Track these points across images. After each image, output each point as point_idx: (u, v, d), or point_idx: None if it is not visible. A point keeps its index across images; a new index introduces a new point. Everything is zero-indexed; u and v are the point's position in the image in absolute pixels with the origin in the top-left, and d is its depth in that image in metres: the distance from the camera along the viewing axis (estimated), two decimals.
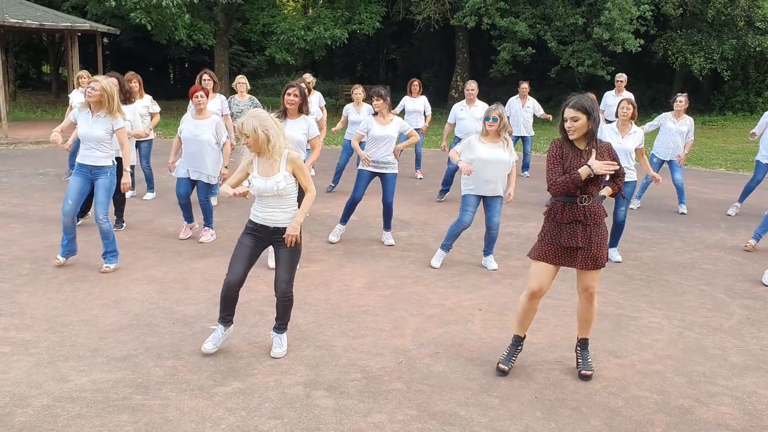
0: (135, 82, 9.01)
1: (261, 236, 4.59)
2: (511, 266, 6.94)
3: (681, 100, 9.45)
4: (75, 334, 5.01)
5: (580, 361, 4.57)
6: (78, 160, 6.44)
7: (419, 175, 12.30)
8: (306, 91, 6.74)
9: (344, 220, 7.68)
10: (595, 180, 4.25)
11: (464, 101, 10.25)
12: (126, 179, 6.64)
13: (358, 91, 10.41)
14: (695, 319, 5.61)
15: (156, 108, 9.50)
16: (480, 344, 5.02)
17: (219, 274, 6.47)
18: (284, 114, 6.53)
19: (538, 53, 22.92)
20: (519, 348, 4.62)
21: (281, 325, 4.76)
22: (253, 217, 4.60)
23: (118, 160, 7.20)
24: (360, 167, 7.53)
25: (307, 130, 6.58)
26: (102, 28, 17.95)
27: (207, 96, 7.47)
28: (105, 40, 31.12)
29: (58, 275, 6.29)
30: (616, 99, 11.33)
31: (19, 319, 5.22)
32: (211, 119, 7.39)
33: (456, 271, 6.77)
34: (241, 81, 10.01)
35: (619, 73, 12.23)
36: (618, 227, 7.19)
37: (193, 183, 7.48)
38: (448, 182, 10.25)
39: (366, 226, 8.43)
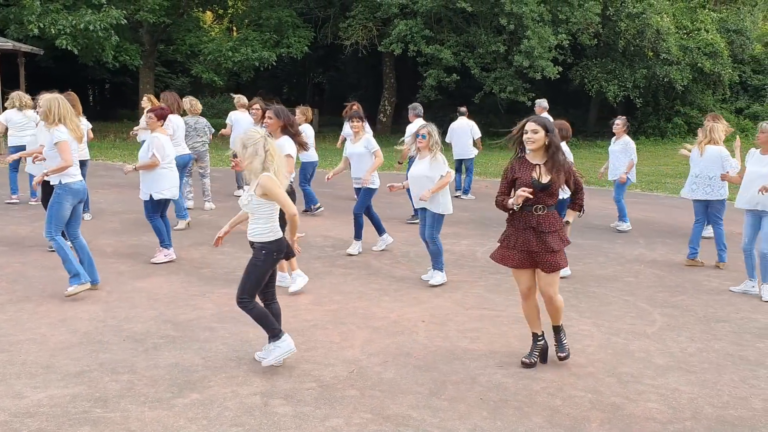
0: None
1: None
2: (450, 280, 7.26)
3: (618, 123, 10.22)
4: (24, 353, 4.99)
5: (556, 344, 5.13)
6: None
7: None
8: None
9: (357, 235, 8.30)
10: (549, 192, 4.74)
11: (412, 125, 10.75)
12: (37, 180, 6.57)
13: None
14: (621, 326, 6.05)
15: (88, 124, 9.70)
16: (426, 352, 5.28)
17: (163, 292, 6.52)
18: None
19: (462, 79, 23.66)
20: (538, 343, 5.09)
21: (269, 335, 4.86)
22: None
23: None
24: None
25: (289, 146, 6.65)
26: (25, 48, 17.59)
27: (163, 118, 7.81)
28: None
29: None
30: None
31: None
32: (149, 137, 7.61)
33: (398, 287, 7.03)
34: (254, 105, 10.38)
35: (540, 100, 12.95)
36: None
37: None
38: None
39: (308, 245, 8.60)
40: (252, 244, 4.75)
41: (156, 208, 7.54)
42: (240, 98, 11.97)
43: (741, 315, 6.46)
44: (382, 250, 8.50)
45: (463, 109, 12.97)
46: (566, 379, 4.87)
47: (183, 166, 9.53)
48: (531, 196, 4.67)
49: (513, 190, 4.85)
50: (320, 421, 4.14)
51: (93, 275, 6.48)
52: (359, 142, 8.23)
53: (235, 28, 29.23)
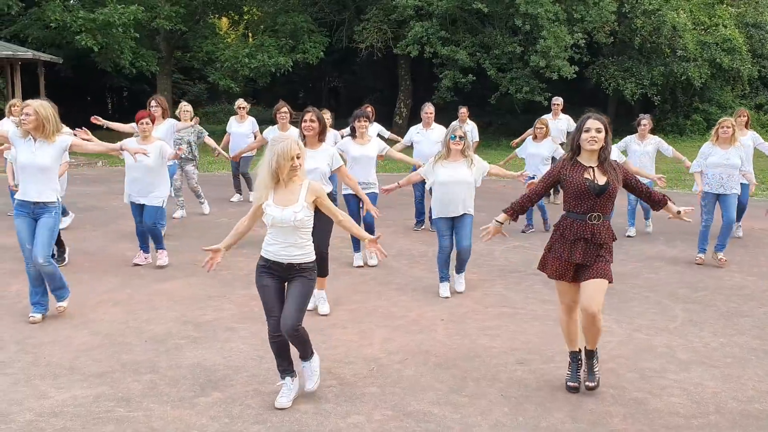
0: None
1: (277, 273, 4.23)
2: (468, 279, 7.23)
3: (644, 123, 9.59)
4: (48, 354, 5.05)
5: (585, 371, 4.61)
6: (18, 196, 5.79)
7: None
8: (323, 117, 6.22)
9: (356, 247, 7.70)
10: (608, 199, 4.28)
11: (420, 124, 10.08)
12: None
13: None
14: (642, 322, 6.00)
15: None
16: (445, 350, 5.27)
17: (184, 294, 6.57)
18: (303, 142, 5.71)
19: (478, 80, 23.64)
20: (578, 362, 4.59)
21: (304, 355, 4.39)
22: (265, 252, 4.25)
23: None
24: (344, 192, 7.54)
25: (330, 160, 6.07)
26: (45, 56, 17.81)
27: (153, 122, 7.58)
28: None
29: (21, 300, 6.28)
30: (554, 122, 11.81)
31: None
32: (155, 144, 7.32)
33: (416, 286, 7.03)
34: (186, 109, 10.15)
35: (555, 97, 12.75)
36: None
37: (142, 208, 7.42)
38: (420, 212, 9.92)
39: None
40: (296, 267, 4.20)
41: (157, 214, 7.58)
42: (240, 102, 11.80)
43: (764, 309, 6.39)
44: (359, 266, 7.70)
45: (464, 110, 12.38)
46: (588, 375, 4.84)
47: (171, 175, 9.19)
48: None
49: (552, 191, 4.70)
50: (341, 417, 4.15)
51: (46, 303, 5.89)
52: (369, 144, 7.73)
53: (250, 35, 29.42)
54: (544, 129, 9.79)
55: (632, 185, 4.47)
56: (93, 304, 6.23)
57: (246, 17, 29.46)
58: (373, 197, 7.48)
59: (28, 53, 17.20)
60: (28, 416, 4.09)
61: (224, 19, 33.26)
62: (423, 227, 9.90)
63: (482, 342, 5.46)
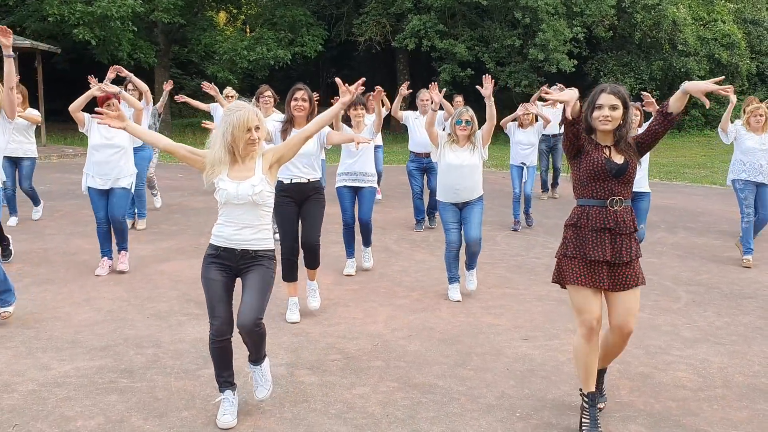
0: (19, 93, 7.74)
1: (227, 264, 3.69)
2: None
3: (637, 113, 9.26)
4: (50, 329, 5.01)
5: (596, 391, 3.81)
6: None
7: (378, 195, 11.26)
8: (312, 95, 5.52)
9: (350, 252, 6.89)
10: (627, 181, 3.59)
11: (417, 112, 9.44)
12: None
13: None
14: (646, 302, 5.97)
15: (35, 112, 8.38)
16: (450, 327, 5.25)
17: (187, 275, 6.53)
18: (291, 123, 5.35)
19: (476, 74, 23.56)
20: (596, 407, 3.66)
21: (257, 358, 3.84)
22: (215, 239, 3.74)
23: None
24: (337, 185, 6.88)
25: (320, 136, 5.42)
26: (43, 46, 17.72)
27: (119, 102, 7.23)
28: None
29: (23, 279, 6.24)
30: (554, 110, 11.69)
31: None
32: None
33: (419, 268, 7.00)
34: (231, 94, 9.98)
35: (556, 84, 12.67)
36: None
37: (106, 200, 6.55)
38: (420, 209, 9.12)
39: (326, 231, 8.56)
40: (252, 253, 3.69)
41: (126, 205, 6.83)
42: (228, 91, 10.96)
43: None
44: (351, 275, 6.83)
45: (459, 98, 12.11)
46: None
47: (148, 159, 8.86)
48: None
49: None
50: (346, 389, 4.12)
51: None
52: (364, 132, 6.71)
53: (248, 29, 29.34)
54: (531, 115, 9.33)
55: (646, 135, 3.66)
56: (93, 283, 6.19)
57: (245, 11, 29.40)
58: (371, 192, 6.83)
59: (26, 42, 17.08)
60: (31, 386, 4.05)
61: (222, 14, 33.20)
62: (424, 227, 9.16)
63: (486, 320, 5.44)
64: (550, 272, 6.54)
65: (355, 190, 6.84)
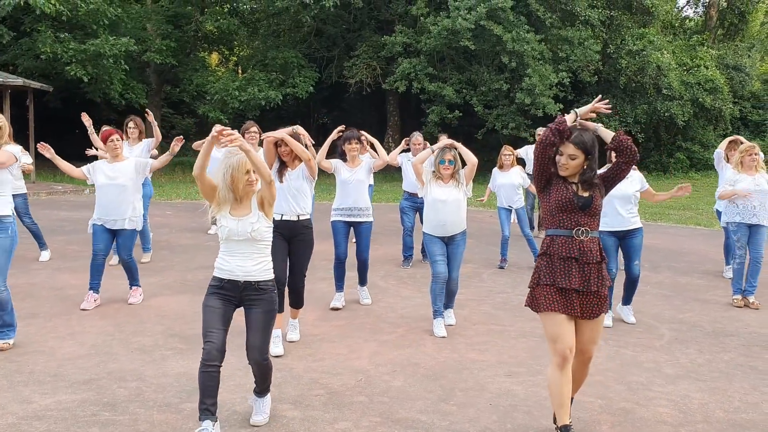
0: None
1: (229, 295, 3.91)
2: (456, 299, 7.24)
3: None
4: (32, 363, 5.00)
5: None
6: None
7: None
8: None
9: (339, 286, 6.92)
10: (593, 213, 3.79)
11: (410, 154, 9.69)
12: None
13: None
14: (629, 339, 6.03)
15: (28, 159, 8.03)
16: (434, 363, 5.27)
17: (172, 310, 6.53)
18: (284, 165, 5.63)
19: (465, 116, 23.90)
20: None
21: (262, 390, 4.13)
22: (218, 272, 3.94)
23: None
24: (333, 219, 6.88)
25: (307, 174, 5.66)
26: (35, 84, 17.86)
27: (128, 140, 7.42)
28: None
29: None
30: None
31: None
32: (128, 161, 6.70)
33: (405, 304, 7.03)
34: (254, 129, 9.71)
35: (540, 128, 12.90)
36: (632, 283, 6.56)
37: (112, 236, 6.63)
38: (409, 246, 9.18)
39: (314, 268, 8.60)
40: (255, 285, 3.93)
41: (133, 242, 6.85)
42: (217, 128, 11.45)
43: (750, 330, 6.45)
44: (338, 308, 6.86)
45: (444, 137, 12.23)
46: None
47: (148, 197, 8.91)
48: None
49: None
50: (329, 424, 4.12)
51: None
52: (360, 167, 6.91)
53: (240, 70, 29.70)
54: (511, 156, 9.43)
55: (610, 170, 3.92)
56: (79, 318, 6.18)
57: (237, 51, 29.79)
58: (368, 229, 6.93)
59: (18, 80, 17.22)
60: (11, 419, 4.03)
61: (214, 55, 33.63)
62: (411, 264, 9.18)
63: (471, 356, 5.46)
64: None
65: (350, 225, 6.90)
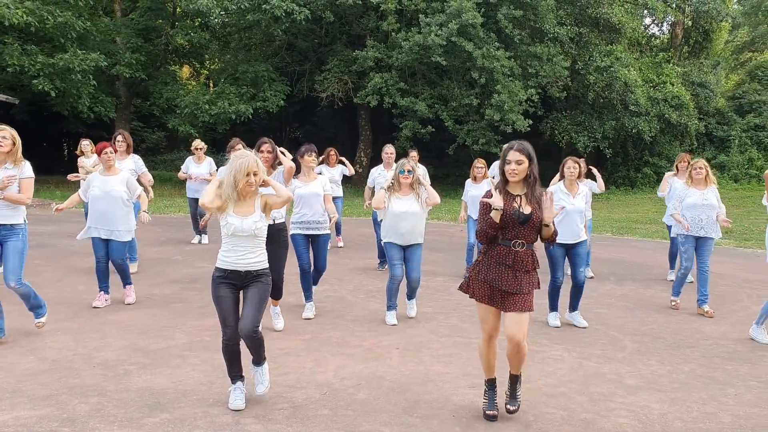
0: None
1: (233, 282, 4.47)
2: (424, 311, 7.30)
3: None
4: None
5: (508, 394, 4.58)
6: None
7: (340, 243, 12.13)
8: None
9: (308, 296, 7.06)
10: (531, 228, 4.33)
11: (381, 165, 10.11)
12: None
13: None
14: (592, 351, 6.10)
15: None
16: (399, 376, 5.28)
17: (136, 324, 6.47)
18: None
19: (437, 132, 24.08)
20: (495, 390, 4.59)
21: (257, 359, 4.60)
22: (222, 263, 4.49)
23: None
24: (292, 232, 6.90)
25: (281, 177, 6.18)
26: (1, 96, 17.64)
27: (116, 153, 7.56)
28: None
29: None
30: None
31: None
32: (122, 175, 7.12)
33: (372, 317, 7.04)
34: (198, 146, 11.10)
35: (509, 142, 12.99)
36: (577, 289, 6.96)
37: (107, 244, 7.03)
38: (383, 252, 9.01)
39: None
40: (254, 273, 4.49)
41: (125, 249, 7.25)
42: (197, 143, 11.59)
43: (710, 342, 6.56)
44: (310, 318, 7.00)
45: (414, 152, 12.36)
46: (538, 398, 4.89)
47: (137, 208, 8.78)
48: (500, 206, 4.24)
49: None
50: None
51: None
52: (316, 181, 6.93)
53: (212, 83, 29.62)
54: (483, 169, 9.55)
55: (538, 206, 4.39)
56: (39, 333, 6.09)
57: (209, 65, 29.70)
58: (325, 240, 7.04)
59: None
60: None
61: (186, 68, 33.49)
62: (386, 267, 9.47)
63: (436, 368, 5.49)
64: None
65: (309, 238, 6.96)
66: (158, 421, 4.27)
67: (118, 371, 5.17)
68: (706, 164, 7.81)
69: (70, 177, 9.61)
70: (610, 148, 25.45)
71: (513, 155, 4.32)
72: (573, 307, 7.06)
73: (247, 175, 4.38)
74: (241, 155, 4.41)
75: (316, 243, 7.00)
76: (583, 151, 24.80)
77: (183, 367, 5.30)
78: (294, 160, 6.63)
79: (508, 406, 4.54)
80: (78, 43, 20.47)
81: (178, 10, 25.09)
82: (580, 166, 6.93)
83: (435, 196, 6.88)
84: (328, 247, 7.32)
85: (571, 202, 6.82)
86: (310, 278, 7.04)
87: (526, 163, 4.32)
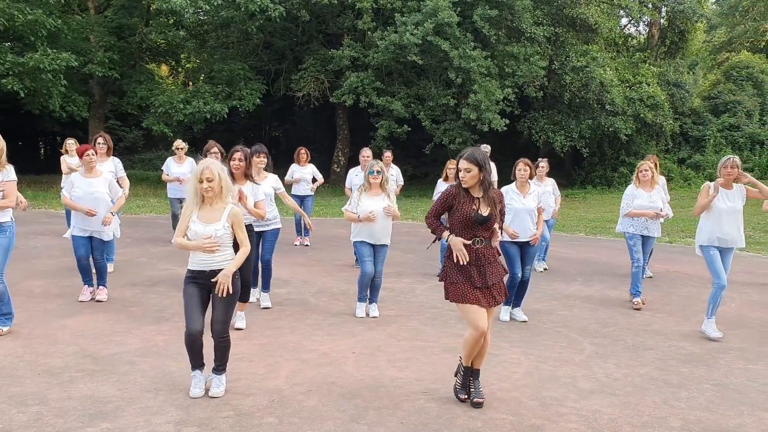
0: None
1: (201, 282, 4.72)
2: (386, 315, 7.23)
3: (542, 165, 10.03)
4: None
5: (472, 390, 4.85)
6: None
7: (307, 242, 12.17)
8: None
9: (254, 283, 7.30)
10: (489, 227, 4.70)
11: (359, 167, 10.24)
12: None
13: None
14: (550, 354, 6.07)
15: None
16: (352, 381, 5.21)
17: (89, 329, 6.36)
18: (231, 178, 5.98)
19: (413, 131, 24.02)
20: (469, 378, 4.89)
21: (220, 366, 4.87)
22: (191, 264, 4.75)
23: None
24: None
25: (254, 192, 6.44)
26: None
27: (97, 155, 7.58)
28: None
29: None
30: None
31: None
32: (104, 177, 7.43)
33: (333, 321, 6.97)
34: (180, 146, 11.14)
35: (483, 144, 13.03)
36: (522, 286, 7.25)
37: (88, 242, 7.34)
38: None
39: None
40: (214, 273, 4.72)
41: (105, 248, 7.66)
42: (178, 143, 11.55)
43: (669, 344, 6.55)
44: (269, 307, 7.41)
45: (388, 153, 12.36)
46: (490, 402, 4.84)
47: None
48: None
49: (447, 214, 4.82)
50: None
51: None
52: (266, 181, 7.11)
53: (190, 83, 29.34)
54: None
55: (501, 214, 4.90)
56: None
57: (185, 64, 29.42)
58: (273, 234, 7.23)
59: None
60: None
61: (164, 67, 33.17)
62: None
63: (390, 373, 5.43)
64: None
65: (259, 234, 7.14)
66: (98, 430, 4.17)
67: (62, 378, 5.06)
68: (652, 166, 8.32)
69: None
70: (586, 147, 25.53)
71: (462, 164, 4.69)
72: (516, 303, 7.34)
73: (200, 181, 4.56)
74: (202, 162, 4.61)
75: (263, 237, 7.22)
76: (560, 150, 24.87)
77: (131, 374, 5.20)
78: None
79: (477, 399, 4.78)
80: (49, 41, 20.15)
81: (152, 7, 24.81)
82: (531, 168, 7.25)
83: (395, 210, 7.18)
84: (296, 244, 7.53)
85: (522, 202, 7.16)
86: (257, 272, 7.30)
87: (475, 170, 4.65)
